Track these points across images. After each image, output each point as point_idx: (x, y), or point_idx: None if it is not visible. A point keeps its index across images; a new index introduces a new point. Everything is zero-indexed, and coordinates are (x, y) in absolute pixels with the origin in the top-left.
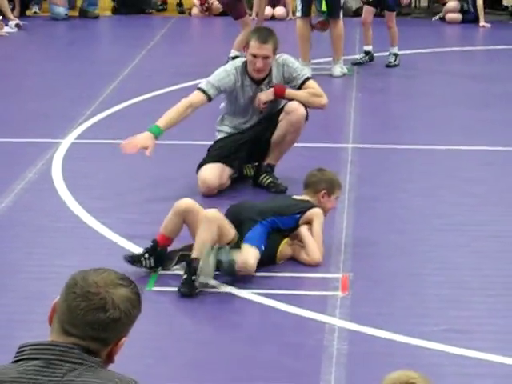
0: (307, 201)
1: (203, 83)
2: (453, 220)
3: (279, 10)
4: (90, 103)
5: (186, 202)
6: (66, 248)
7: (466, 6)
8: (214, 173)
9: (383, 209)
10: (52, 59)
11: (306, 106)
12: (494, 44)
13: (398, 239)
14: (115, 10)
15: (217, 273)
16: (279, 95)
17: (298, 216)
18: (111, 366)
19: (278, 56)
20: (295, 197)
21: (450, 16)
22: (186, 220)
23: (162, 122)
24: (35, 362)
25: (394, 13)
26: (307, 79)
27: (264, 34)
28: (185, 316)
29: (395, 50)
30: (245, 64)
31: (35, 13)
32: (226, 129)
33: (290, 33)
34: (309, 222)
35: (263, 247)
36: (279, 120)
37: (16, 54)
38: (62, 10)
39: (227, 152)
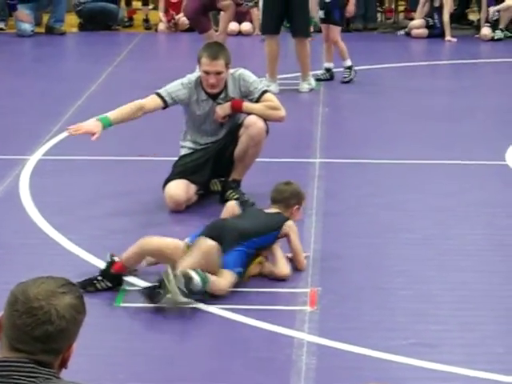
0: (279, 213)
1: (161, 89)
2: (420, 234)
3: (246, 26)
4: (56, 120)
5: (153, 244)
6: (32, 264)
7: (431, 21)
8: (180, 188)
9: (350, 223)
10: (18, 76)
11: (265, 120)
12: (459, 58)
13: (366, 253)
14: (81, 27)
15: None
16: (236, 109)
17: (277, 232)
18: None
19: (233, 70)
20: (266, 211)
21: (415, 31)
22: (152, 256)
23: (113, 115)
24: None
25: (339, 28)
26: (264, 92)
27: (214, 49)
28: (153, 332)
29: (348, 62)
30: (199, 79)
31: (1, 29)
32: (188, 144)
33: (256, 49)
34: (283, 236)
35: (241, 270)
36: (239, 135)
37: None
38: (28, 27)
39: (191, 170)
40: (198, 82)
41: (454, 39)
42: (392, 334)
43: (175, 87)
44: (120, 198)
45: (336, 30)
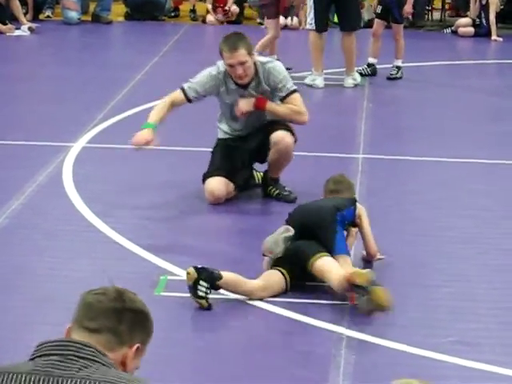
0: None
1: (187, 83)
2: (463, 232)
3: (293, 20)
4: (101, 108)
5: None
6: (75, 252)
7: (478, 20)
8: (220, 183)
9: (393, 220)
10: (64, 63)
11: (291, 133)
12: (506, 58)
13: (408, 251)
14: (128, 16)
15: None
16: (259, 108)
17: (354, 207)
18: None
19: (266, 60)
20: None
21: (462, 30)
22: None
23: (153, 119)
24: (52, 358)
25: (401, 25)
26: (292, 92)
27: (233, 40)
28: (193, 322)
29: (399, 62)
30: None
31: (48, 16)
32: (224, 127)
33: (302, 42)
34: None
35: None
36: (269, 147)
37: (28, 58)
38: (74, 15)
39: (229, 170)
40: (227, 72)
41: (500, 39)
42: (432, 331)
43: (202, 80)
44: (163, 188)
45: (398, 28)
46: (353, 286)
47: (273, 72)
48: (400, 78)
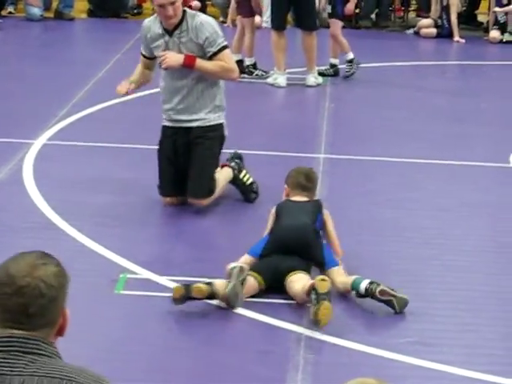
0: (310, 201)
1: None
2: (421, 233)
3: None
4: (62, 105)
5: None
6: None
7: (439, 21)
8: (172, 200)
9: (354, 220)
10: (26, 60)
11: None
12: (467, 59)
13: (367, 251)
14: (91, 13)
15: None
16: (188, 66)
17: (320, 215)
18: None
19: (194, 12)
20: (295, 199)
21: (424, 31)
22: None
23: (133, 76)
24: None
25: (340, 23)
26: (223, 48)
27: None
28: (152, 320)
29: (349, 56)
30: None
31: (10, 13)
32: (164, 114)
33: (265, 42)
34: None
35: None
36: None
37: None
38: (37, 11)
39: (176, 179)
40: (157, 17)
41: (463, 40)
42: (391, 331)
43: (141, 35)
44: (123, 186)
45: (336, 24)
46: (311, 290)
47: (204, 25)
48: (355, 72)
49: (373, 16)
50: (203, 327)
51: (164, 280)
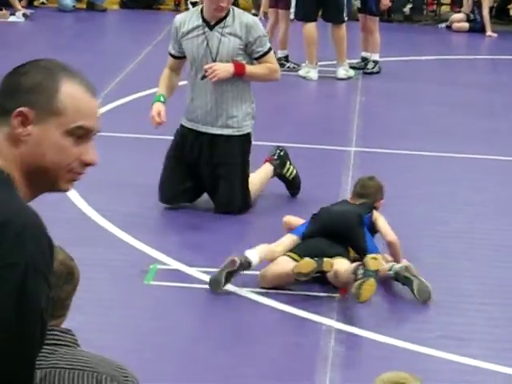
0: (364, 203)
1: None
2: (454, 227)
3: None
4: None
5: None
6: (66, 239)
7: (472, 15)
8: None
9: (386, 214)
10: (58, 50)
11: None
12: (500, 54)
13: (402, 244)
14: (123, 4)
15: None
16: (239, 74)
17: (370, 214)
18: None
19: (242, 11)
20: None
21: (456, 25)
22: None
23: (159, 91)
24: None
25: (377, 18)
26: (270, 49)
27: None
28: (183, 312)
29: (376, 57)
30: (201, 8)
31: (43, 3)
32: (187, 107)
33: (294, 34)
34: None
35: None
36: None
37: (23, 44)
38: (69, 2)
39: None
40: (198, 11)
41: (495, 34)
42: (421, 325)
43: (172, 31)
44: (155, 177)
45: (373, 21)
46: (358, 267)
47: (257, 24)
48: (377, 72)
49: (405, 10)
50: (232, 319)
51: (194, 271)
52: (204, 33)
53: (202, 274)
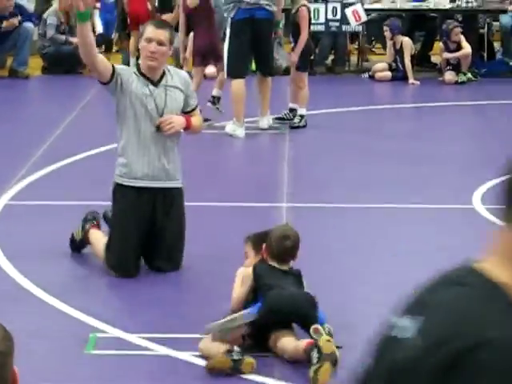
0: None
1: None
2: (389, 279)
3: (209, 69)
4: (23, 164)
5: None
6: (1, 311)
7: (394, 64)
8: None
9: (318, 268)
10: None
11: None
12: (423, 101)
13: (337, 298)
14: (45, 70)
15: None
16: (187, 127)
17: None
18: None
19: (174, 68)
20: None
21: (379, 74)
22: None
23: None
24: None
25: (304, 73)
26: (197, 106)
27: (161, 22)
28: (126, 380)
29: (303, 111)
30: (138, 65)
31: None
32: (127, 165)
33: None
34: None
35: None
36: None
37: None
38: None
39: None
40: (137, 71)
41: (417, 82)
42: None
43: (122, 67)
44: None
45: (302, 76)
46: (312, 348)
47: (187, 80)
48: (303, 126)
49: (328, 62)
50: None
51: (134, 338)
52: (149, 89)
53: (141, 340)
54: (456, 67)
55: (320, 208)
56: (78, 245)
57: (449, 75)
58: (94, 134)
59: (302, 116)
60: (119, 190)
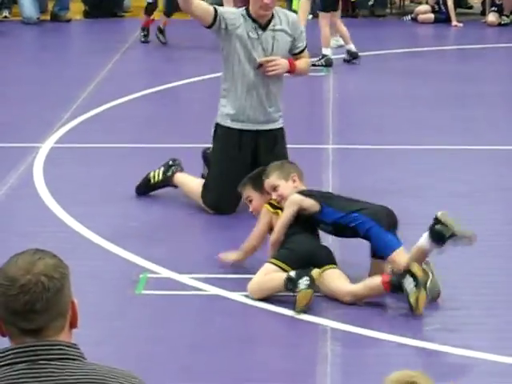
0: None
1: (218, 7)
2: None
3: None
4: (67, 107)
5: None
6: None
7: (436, 6)
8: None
9: None
10: (25, 64)
11: None
12: (466, 43)
13: None
14: (87, 14)
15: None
16: (292, 71)
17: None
18: None
19: (282, 9)
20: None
21: (422, 17)
22: None
23: None
24: (20, 366)
25: (325, 13)
26: (306, 45)
27: None
28: (177, 319)
29: (325, 51)
30: (247, 10)
31: (5, 17)
32: (228, 108)
33: None
34: None
35: None
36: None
37: None
38: (33, 14)
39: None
40: (244, 13)
41: (461, 24)
42: (416, 320)
43: (228, 10)
44: (133, 185)
45: (320, 16)
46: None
47: (297, 25)
48: (324, 65)
49: (371, 3)
50: (227, 324)
51: (185, 278)
52: (257, 33)
53: (192, 281)
54: (500, 10)
55: (365, 150)
56: (152, 187)
57: (492, 17)
58: (136, 77)
59: (323, 56)
60: (221, 130)
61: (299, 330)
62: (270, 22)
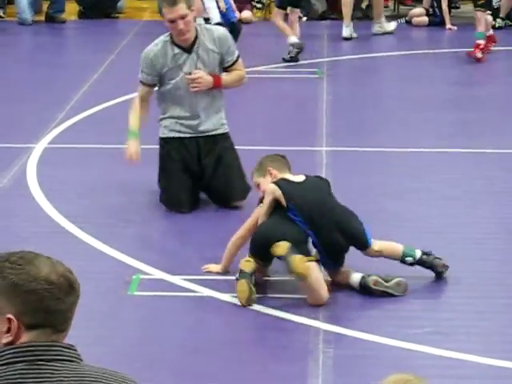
0: None
1: (139, 75)
2: (430, 223)
3: (245, 14)
4: (60, 108)
5: None
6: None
7: (431, 10)
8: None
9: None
10: (20, 64)
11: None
12: (460, 46)
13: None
14: (81, 14)
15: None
16: (216, 86)
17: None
18: None
19: (207, 26)
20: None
21: (416, 20)
22: None
23: (132, 125)
24: (19, 365)
25: (277, 10)
26: (238, 57)
27: None
28: (169, 320)
29: (291, 39)
30: (169, 35)
31: (0, 17)
32: (169, 123)
33: (251, 36)
34: None
35: None
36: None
37: None
38: (28, 15)
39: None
40: (168, 40)
41: (455, 27)
42: (407, 322)
43: (145, 63)
44: (127, 186)
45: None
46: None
47: (223, 38)
48: (298, 51)
49: (362, 6)
50: (220, 325)
51: (177, 279)
52: (184, 60)
53: (184, 282)
54: (495, 13)
55: (359, 152)
56: None
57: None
58: (130, 78)
59: (291, 44)
60: (163, 141)
61: (291, 332)
62: (194, 43)
